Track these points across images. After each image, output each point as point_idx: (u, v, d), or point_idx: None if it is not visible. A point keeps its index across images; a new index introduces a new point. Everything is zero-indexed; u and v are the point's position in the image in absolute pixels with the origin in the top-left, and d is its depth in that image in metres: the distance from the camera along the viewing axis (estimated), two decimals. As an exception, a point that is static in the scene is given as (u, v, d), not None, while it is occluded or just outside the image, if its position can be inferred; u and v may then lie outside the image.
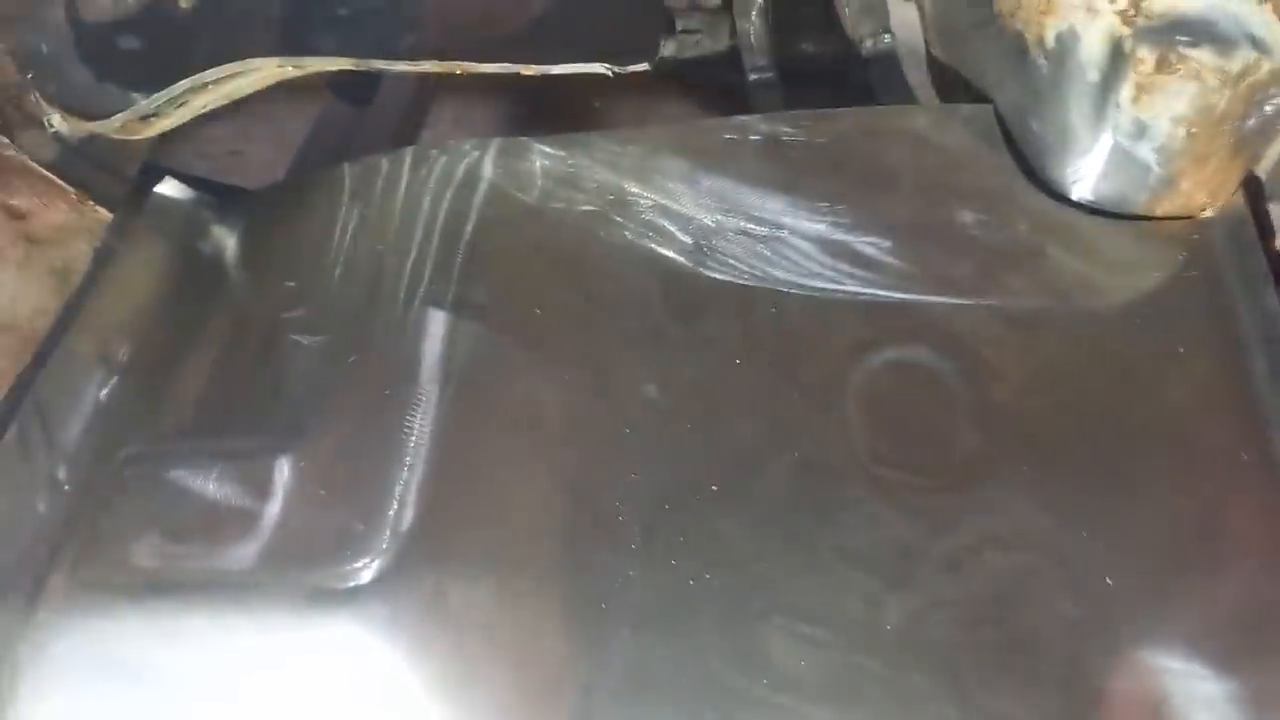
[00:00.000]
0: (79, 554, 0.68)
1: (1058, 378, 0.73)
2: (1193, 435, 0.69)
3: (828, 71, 0.99)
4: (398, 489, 0.69)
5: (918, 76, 0.93)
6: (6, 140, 0.87)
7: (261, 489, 0.68)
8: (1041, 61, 0.78)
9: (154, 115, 0.90)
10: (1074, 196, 0.80)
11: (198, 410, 0.79)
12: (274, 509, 0.68)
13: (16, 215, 0.85)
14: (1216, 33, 0.70)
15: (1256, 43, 0.69)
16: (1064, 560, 0.66)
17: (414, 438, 0.72)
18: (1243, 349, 0.71)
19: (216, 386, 0.81)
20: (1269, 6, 0.68)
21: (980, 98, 0.87)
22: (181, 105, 0.90)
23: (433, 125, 1.59)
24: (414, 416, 0.73)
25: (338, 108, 1.52)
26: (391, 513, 0.68)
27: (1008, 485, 0.69)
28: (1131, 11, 0.72)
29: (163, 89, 0.94)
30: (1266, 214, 0.75)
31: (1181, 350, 0.73)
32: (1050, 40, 0.77)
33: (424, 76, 1.32)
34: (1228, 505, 0.67)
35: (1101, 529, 0.67)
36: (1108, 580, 0.65)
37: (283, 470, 0.69)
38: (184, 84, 0.88)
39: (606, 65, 0.86)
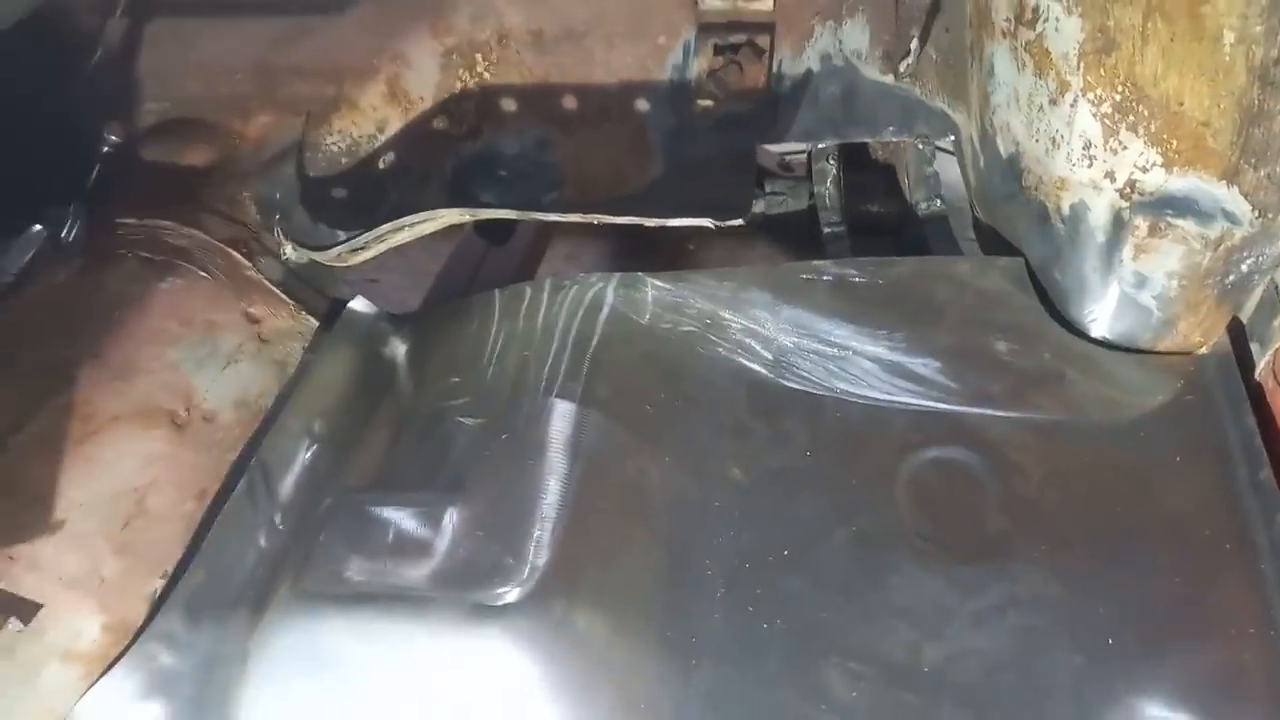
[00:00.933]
0: (299, 572, 0.88)
1: (1073, 477, 0.89)
2: (1185, 526, 0.84)
3: (889, 227, 1.20)
4: (536, 533, 0.88)
5: (964, 232, 1.13)
6: (249, 264, 1.14)
7: (435, 527, 0.88)
8: (1060, 225, 0.98)
9: (362, 248, 1.16)
10: (1091, 333, 0.98)
11: (381, 473, 1.01)
12: (443, 543, 0.87)
13: (253, 320, 1.10)
14: (1197, 208, 0.89)
15: (1228, 216, 0.88)
16: (1073, 622, 0.80)
17: (549, 498, 0.92)
18: (1228, 459, 0.86)
19: (393, 454, 1.03)
20: (1235, 189, 0.87)
21: (1014, 251, 1.06)
22: (381, 241, 1.16)
23: (549, 261, 1.85)
24: (549, 481, 0.92)
25: (468, 245, 1.80)
26: (532, 552, 0.86)
27: (1027, 560, 0.85)
28: (1128, 189, 0.91)
29: (360, 227, 1.21)
30: (1248, 351, 0.91)
31: (1178, 459, 0.88)
32: (1066, 209, 0.97)
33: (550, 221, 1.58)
34: (1212, 584, 0.81)
35: (1105, 598, 0.81)
36: (1109, 640, 0.79)
37: (451, 515, 0.89)
38: (387, 226, 1.14)
39: (710, 219, 1.08)
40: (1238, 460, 0.86)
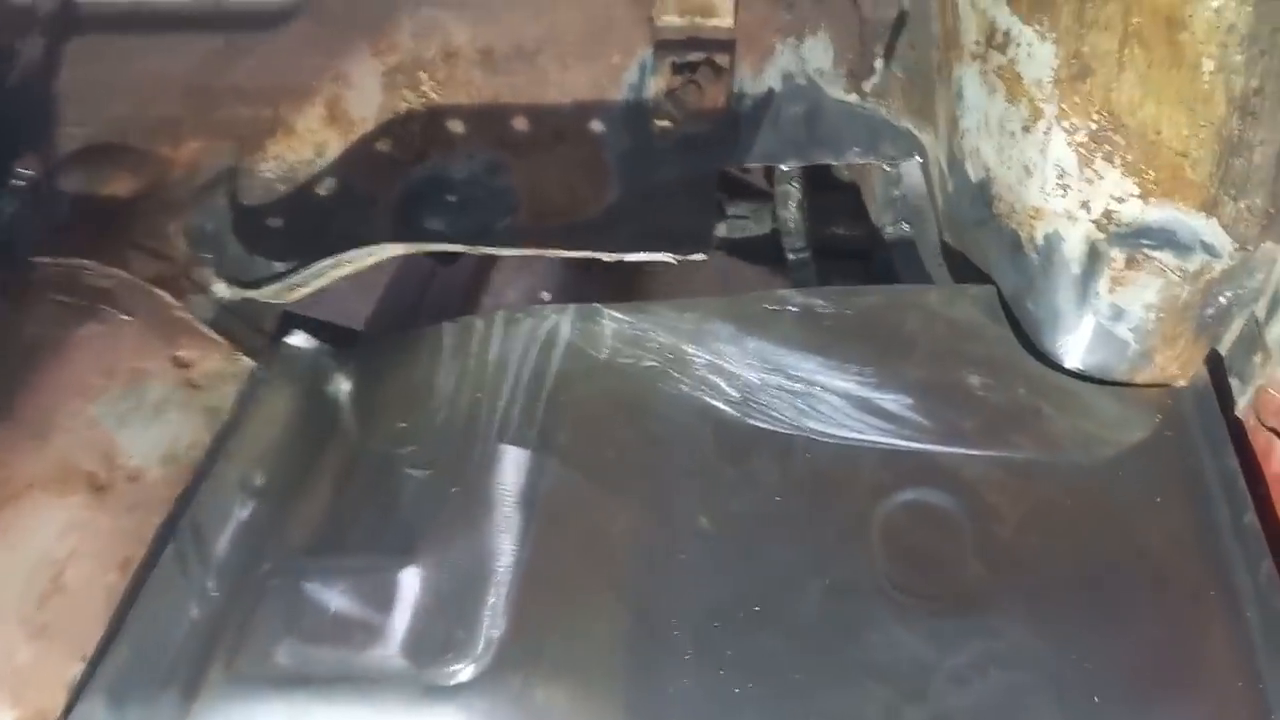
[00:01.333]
0: (233, 651, 0.82)
1: (1051, 519, 0.85)
2: (1167, 573, 0.81)
3: (856, 251, 1.16)
4: (490, 600, 0.83)
5: (933, 258, 1.10)
6: (178, 304, 1.06)
7: (380, 600, 0.83)
8: (1033, 255, 0.94)
9: (299, 284, 1.09)
10: (1066, 365, 0.95)
11: (325, 529, 0.94)
12: (390, 617, 0.81)
13: (182, 365, 1.03)
14: (1175, 239, 0.85)
15: (1207, 248, 0.85)
16: (1056, 679, 0.77)
17: (503, 559, 0.86)
18: (1209, 501, 0.83)
19: (338, 509, 0.97)
20: (1215, 221, 0.84)
21: (985, 278, 1.02)
22: (320, 276, 1.09)
23: (501, 271, 1.79)
24: (503, 540, 0.87)
25: (414, 263, 1.73)
26: (486, 622, 0.81)
27: (1008, 612, 0.81)
28: (1105, 220, 0.88)
29: (299, 258, 1.14)
30: (1228, 386, 0.88)
31: (1158, 500, 0.85)
32: (1039, 239, 0.93)
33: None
34: (1197, 635, 0.77)
35: (1089, 652, 0.78)
36: (1095, 698, 0.76)
37: (397, 585, 0.83)
38: (326, 262, 1.07)
39: (670, 254, 1.03)
40: (1218, 501, 0.83)
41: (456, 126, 1.21)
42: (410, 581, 0.84)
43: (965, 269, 1.05)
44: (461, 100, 1.22)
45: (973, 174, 1.00)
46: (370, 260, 1.10)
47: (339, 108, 1.22)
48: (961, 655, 0.79)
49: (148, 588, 0.88)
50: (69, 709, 0.81)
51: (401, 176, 1.21)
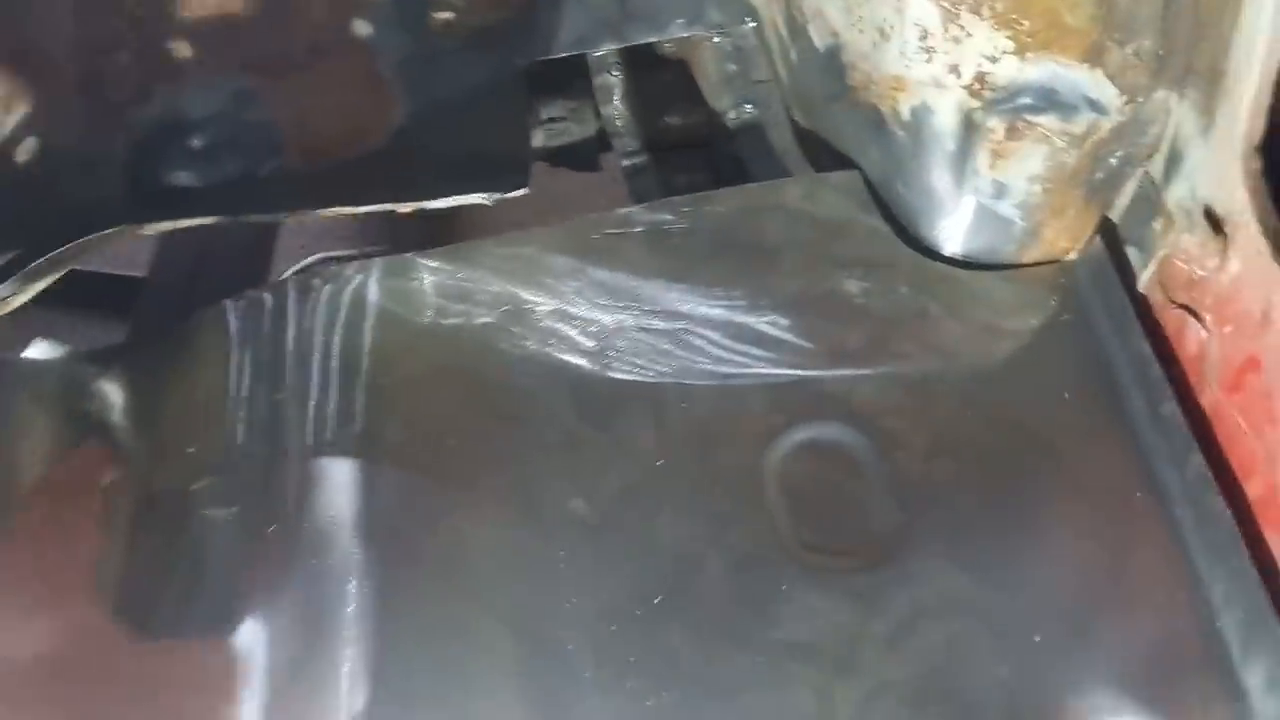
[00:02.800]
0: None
1: (957, 440, 0.77)
2: (1087, 480, 0.74)
3: (696, 140, 1.01)
4: (345, 667, 0.68)
5: (782, 146, 0.95)
6: None
7: (204, 693, 0.67)
8: (899, 132, 0.82)
9: (11, 295, 0.85)
10: (946, 252, 0.85)
11: (120, 597, 0.76)
12: (221, 713, 0.66)
13: None
14: (1057, 99, 0.74)
15: (1094, 105, 0.74)
16: (991, 622, 0.70)
17: (350, 606, 0.71)
18: (1121, 391, 0.76)
19: (135, 570, 0.78)
20: (1100, 72, 0.73)
21: (846, 162, 0.90)
22: (37, 279, 0.85)
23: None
24: (346, 584, 0.72)
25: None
26: (346, 694, 0.67)
27: (928, 554, 0.73)
28: (977, 85, 0.75)
29: (15, 248, 0.89)
30: (1126, 258, 0.80)
31: (1066, 396, 0.78)
32: (905, 113, 0.80)
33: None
34: (1128, 544, 0.72)
35: (1020, 586, 0.71)
36: (1035, 637, 0.69)
37: (222, 670, 0.68)
38: (39, 263, 0.83)
39: (485, 194, 0.85)
40: (1131, 390, 0.76)
41: (182, 50, 0.95)
42: (243, 666, 0.68)
43: (822, 152, 0.92)
44: (181, 14, 0.96)
45: (818, 40, 0.86)
46: (94, 246, 0.87)
47: (17, 44, 0.94)
48: (888, 615, 0.71)
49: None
50: None
51: (123, 124, 0.95)
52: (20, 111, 0.94)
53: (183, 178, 0.95)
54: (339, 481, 0.77)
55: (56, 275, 0.88)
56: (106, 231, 0.86)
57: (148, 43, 0.95)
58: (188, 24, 0.96)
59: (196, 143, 0.96)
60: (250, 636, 0.71)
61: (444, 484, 0.78)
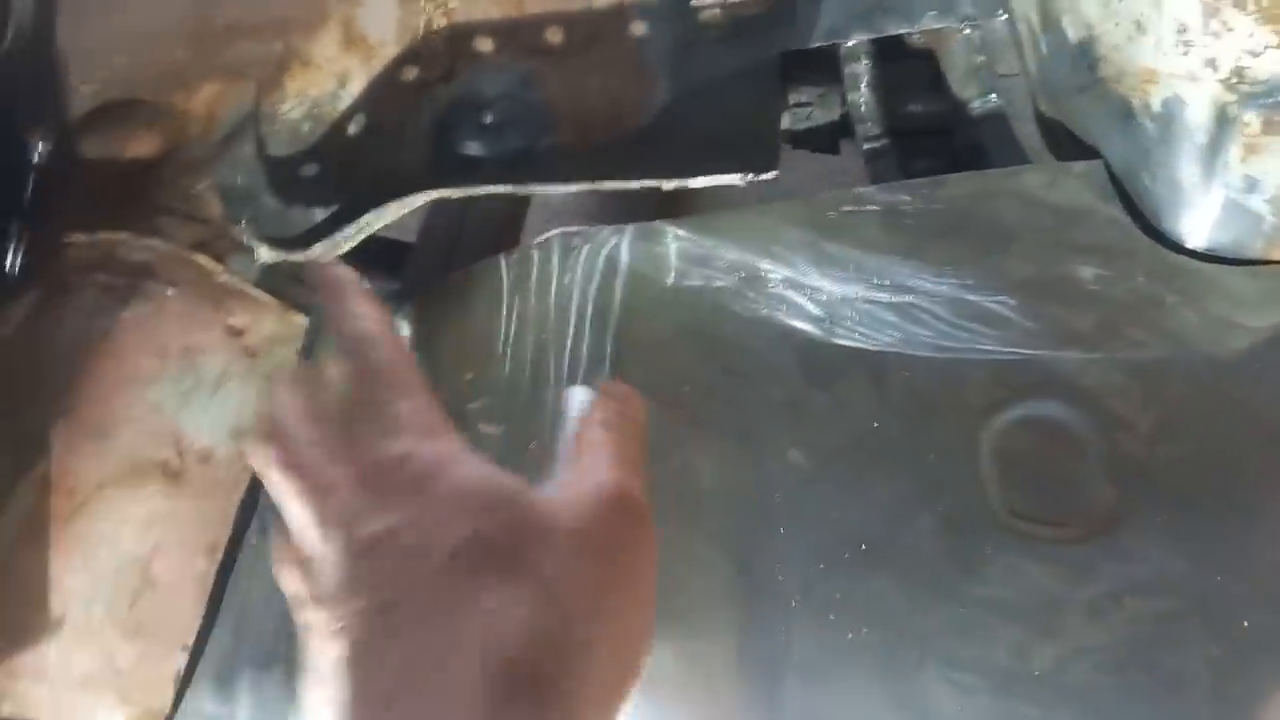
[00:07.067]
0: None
1: (1185, 426, 0.77)
2: (1325, 476, 0.73)
3: (937, 128, 1.04)
4: (584, 565, 0.79)
5: (1027, 131, 0.98)
6: (221, 267, 1.01)
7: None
8: (1148, 124, 0.82)
9: (345, 240, 1.02)
10: (1189, 245, 0.84)
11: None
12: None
13: (235, 332, 0.99)
14: (1321, 93, 0.73)
15: (1362, 99, 0.72)
16: (1203, 604, 0.71)
17: (592, 516, 0.82)
18: (1370, 392, 0.74)
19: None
20: (1372, 65, 0.71)
21: (1090, 153, 0.91)
22: (365, 228, 1.02)
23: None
24: (590, 496, 0.82)
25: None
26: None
27: (1144, 533, 0.74)
28: (1235, 79, 0.75)
29: (336, 204, 1.07)
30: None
31: (1308, 390, 0.76)
32: (1156, 105, 0.81)
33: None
34: (1364, 545, 0.70)
35: (1238, 573, 0.71)
36: (1245, 623, 0.69)
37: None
38: (367, 216, 1.00)
39: (740, 175, 0.93)
40: (1381, 393, 0.74)
41: (483, 40, 1.10)
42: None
43: (1067, 142, 0.94)
44: (486, 10, 1.11)
45: (1071, 33, 0.88)
46: (418, 203, 1.03)
47: (354, 30, 1.13)
48: (1095, 585, 0.73)
49: (238, 569, 0.87)
50: (177, 702, 0.81)
51: (430, 101, 1.12)
52: (354, 88, 1.13)
53: (473, 149, 1.10)
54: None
55: (370, 231, 1.05)
56: (414, 195, 1.01)
57: (457, 32, 1.11)
58: (489, 17, 1.10)
59: (487, 119, 1.11)
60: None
61: (678, 425, 0.88)
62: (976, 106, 1.00)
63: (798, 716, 0.75)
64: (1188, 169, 0.81)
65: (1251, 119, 0.75)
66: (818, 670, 0.76)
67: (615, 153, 1.01)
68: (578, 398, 0.83)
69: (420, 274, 1.33)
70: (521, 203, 1.39)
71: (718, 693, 0.76)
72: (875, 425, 0.84)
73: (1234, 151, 0.78)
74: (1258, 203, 0.79)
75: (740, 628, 0.78)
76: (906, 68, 1.05)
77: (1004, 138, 0.98)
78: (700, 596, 0.79)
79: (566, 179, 1.00)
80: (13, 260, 0.98)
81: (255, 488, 0.92)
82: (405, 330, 1.07)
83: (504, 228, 1.43)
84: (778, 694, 0.75)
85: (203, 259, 1.01)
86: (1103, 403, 0.80)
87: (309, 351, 1.03)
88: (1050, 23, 0.90)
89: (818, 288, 0.91)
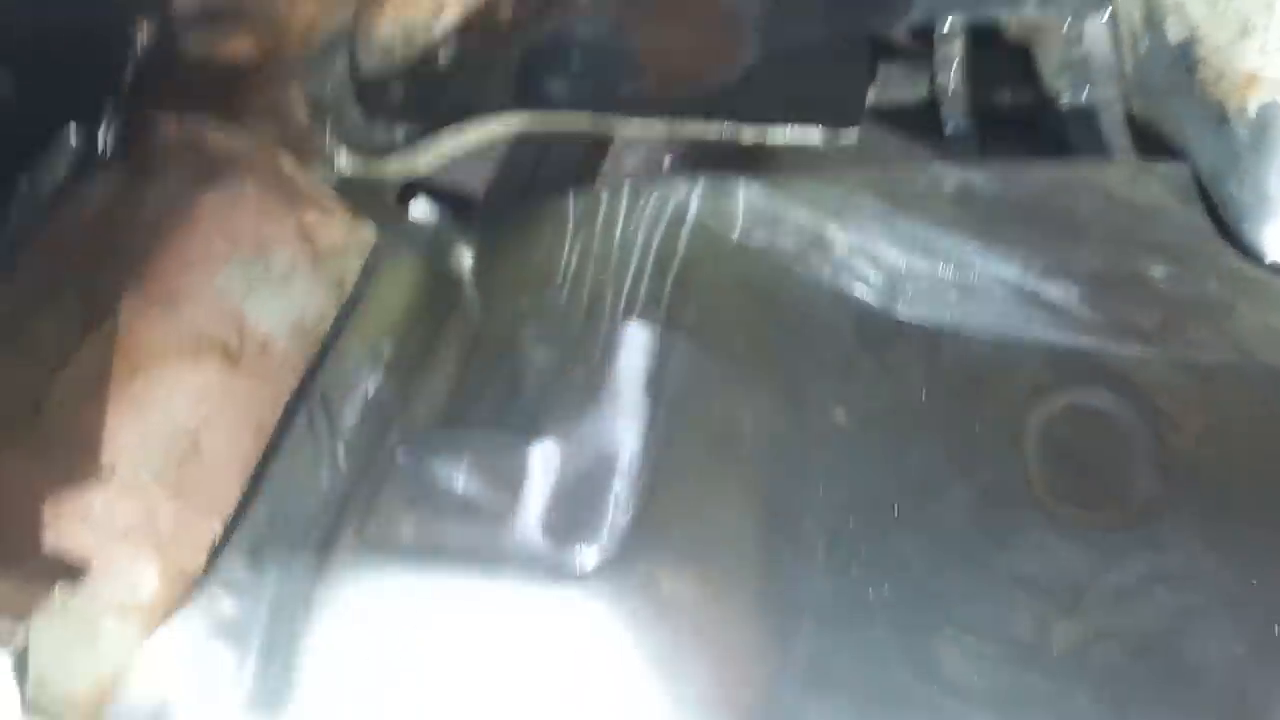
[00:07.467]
0: (361, 520, 0.83)
1: (1237, 430, 0.76)
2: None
3: (1023, 121, 1.04)
4: (616, 486, 0.80)
5: (1113, 130, 0.97)
6: (302, 170, 1.04)
7: (506, 480, 0.80)
8: (1241, 130, 0.81)
9: (424, 155, 1.05)
10: (1270, 258, 0.83)
11: (449, 405, 0.93)
12: (517, 497, 0.80)
13: (306, 234, 1.01)
14: None
15: None
16: (1233, 603, 0.70)
17: (630, 444, 0.83)
18: None
19: (462, 385, 0.95)
20: None
21: (1176, 155, 0.90)
22: (445, 146, 1.04)
23: (613, 156, 1.69)
24: (631, 425, 0.84)
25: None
26: (613, 509, 0.79)
27: (1180, 527, 0.73)
28: (1336, 86, 0.74)
29: (418, 126, 1.10)
30: None
31: (1369, 416, 0.75)
32: (1252, 111, 0.80)
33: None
34: None
35: (1271, 577, 0.70)
36: (1277, 629, 0.68)
37: (524, 465, 0.81)
38: (449, 131, 1.02)
39: (819, 131, 0.93)
40: None
41: (580, -20, 1.13)
42: (536, 462, 0.82)
43: (1154, 144, 0.93)
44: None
45: (1173, 33, 0.87)
46: (498, 130, 1.05)
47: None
48: (1124, 571, 0.73)
49: (281, 453, 0.89)
50: (210, 565, 0.84)
51: (520, 39, 1.14)
52: (448, 18, 1.15)
53: (557, 89, 1.12)
54: (641, 346, 0.89)
55: (447, 154, 1.07)
56: (502, 116, 1.03)
57: (553, -30, 1.13)
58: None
59: (574, 62, 1.13)
60: (547, 449, 0.84)
61: (726, 371, 0.88)
62: (1067, 100, 1.00)
63: (809, 661, 0.75)
64: (1276, 179, 0.80)
65: (1348, 130, 0.74)
66: (834, 620, 0.76)
67: (696, 104, 1.02)
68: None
69: (490, 212, 1.36)
70: (597, 154, 1.40)
71: (732, 626, 0.76)
72: (923, 395, 0.84)
73: (1327, 162, 0.77)
74: (1343, 218, 0.78)
75: (763, 569, 0.78)
76: (999, 57, 1.05)
77: (1090, 134, 0.97)
78: (727, 533, 0.80)
79: (644, 117, 1.01)
80: (105, 138, 1.01)
81: (306, 384, 0.95)
82: (468, 259, 1.10)
83: (579, 178, 1.45)
84: (792, 637, 0.76)
85: (284, 157, 1.04)
86: (1155, 399, 0.79)
87: (373, 267, 1.06)
88: (1153, 21, 0.89)
89: (883, 258, 0.91)
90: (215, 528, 0.85)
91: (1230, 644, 0.68)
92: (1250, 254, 0.83)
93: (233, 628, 0.83)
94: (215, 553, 0.84)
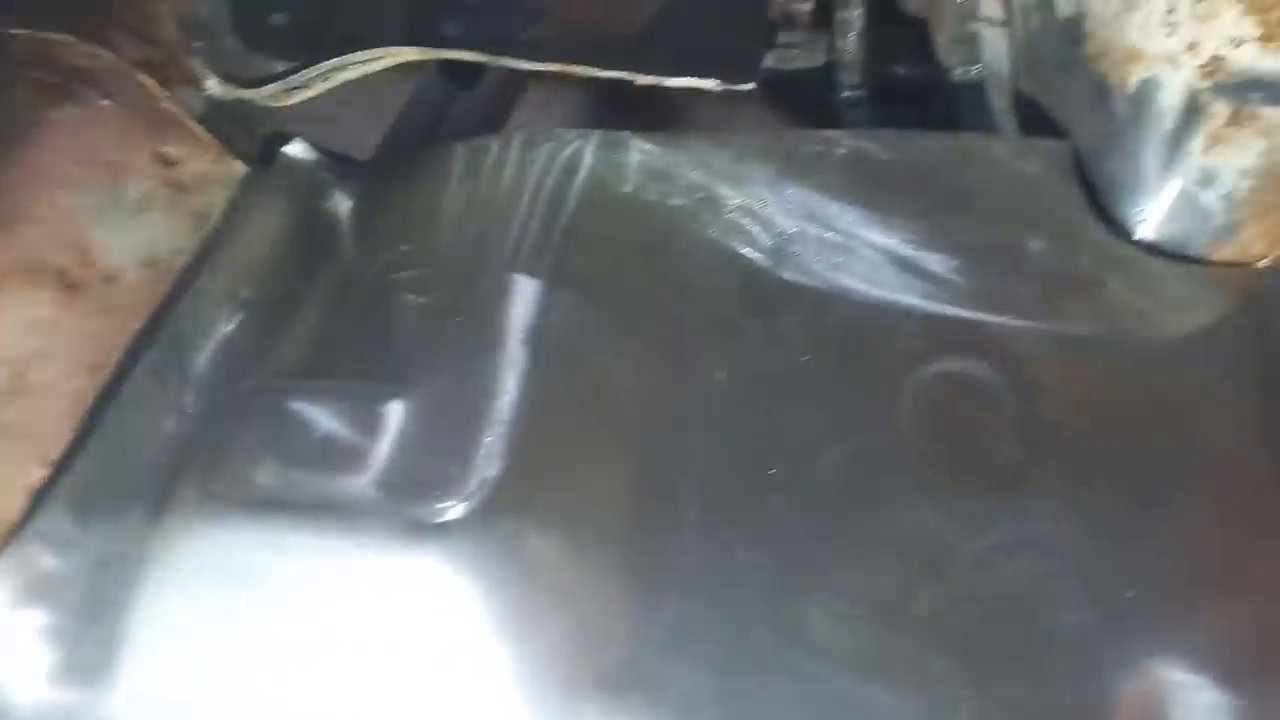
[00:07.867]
0: (206, 470, 0.77)
1: (1103, 400, 0.78)
2: (1227, 469, 0.74)
3: (916, 94, 1.04)
4: (487, 439, 0.77)
5: (1001, 106, 0.98)
6: (166, 94, 0.96)
7: (367, 427, 0.77)
8: (1120, 105, 0.83)
9: (299, 87, 0.99)
10: (1137, 235, 0.85)
11: (311, 350, 0.88)
12: (377, 446, 0.76)
13: (167, 162, 0.94)
14: (1290, 94, 0.74)
15: (1328, 106, 0.73)
16: (1089, 570, 0.71)
17: (504, 397, 0.80)
18: (1285, 400, 0.75)
19: (329, 331, 0.90)
20: (1344, 73, 0.72)
21: (1059, 133, 0.91)
22: (324, 79, 0.99)
23: (521, 108, 1.66)
24: (506, 377, 0.81)
25: (432, 85, 1.60)
26: (480, 461, 0.75)
27: (1043, 495, 0.74)
28: (1211, 67, 0.76)
29: (301, 60, 1.03)
30: (1320, 270, 0.79)
31: (1225, 389, 0.77)
32: (1132, 86, 0.81)
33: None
34: (1253, 538, 0.71)
35: (1128, 544, 0.72)
36: (1128, 593, 0.70)
37: (389, 413, 0.77)
38: (331, 63, 0.97)
39: (716, 81, 0.92)
40: (1296, 400, 0.75)
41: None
42: (402, 411, 0.78)
43: (1039, 124, 0.94)
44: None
45: (1064, 6, 0.88)
46: (378, 65, 1.00)
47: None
48: (986, 538, 0.73)
49: (120, 396, 0.83)
50: (28, 515, 0.77)
51: (407, -28, 1.09)
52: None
53: (452, 29, 1.07)
54: (522, 297, 0.86)
55: (334, 82, 1.01)
56: (382, 49, 0.98)
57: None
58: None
59: (470, 1, 1.08)
60: (413, 399, 0.80)
61: (609, 324, 0.86)
62: (959, 75, 1.00)
63: (675, 623, 0.73)
64: (1151, 155, 0.82)
65: (1220, 109, 0.76)
66: (703, 584, 0.75)
67: (596, 50, 0.99)
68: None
69: (378, 159, 1.30)
70: (504, 109, 1.36)
71: (598, 592, 0.74)
72: (803, 358, 0.84)
73: (1198, 140, 0.78)
74: (1211, 198, 0.80)
75: (632, 531, 0.76)
76: (896, 31, 1.05)
77: (978, 109, 0.98)
78: (599, 491, 0.78)
79: (541, 62, 0.97)
80: (-51, 48, 0.92)
81: (156, 322, 0.88)
82: (344, 204, 1.04)
83: (485, 128, 1.40)
84: (658, 598, 0.74)
85: (148, 80, 0.96)
86: (1026, 369, 0.80)
87: (240, 203, 0.99)
88: (1045, -3, 0.90)
89: (771, 220, 0.90)
90: (39, 474, 0.78)
91: (1084, 610, 0.70)
92: (1121, 231, 0.85)
93: (50, 587, 0.76)
94: (36, 502, 0.77)
